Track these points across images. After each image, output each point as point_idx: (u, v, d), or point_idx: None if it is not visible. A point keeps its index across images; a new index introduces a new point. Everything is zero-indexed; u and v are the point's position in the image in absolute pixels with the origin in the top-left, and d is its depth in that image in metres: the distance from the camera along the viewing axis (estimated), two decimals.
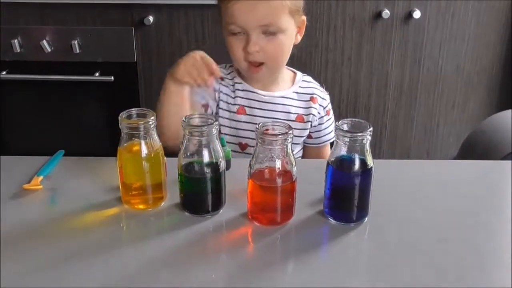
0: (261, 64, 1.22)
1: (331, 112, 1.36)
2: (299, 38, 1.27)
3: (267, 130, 0.90)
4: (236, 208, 0.96)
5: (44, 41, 1.90)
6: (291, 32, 1.23)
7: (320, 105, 1.32)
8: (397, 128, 2.07)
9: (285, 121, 0.93)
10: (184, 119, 0.92)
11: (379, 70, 1.99)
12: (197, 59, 1.16)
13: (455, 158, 1.66)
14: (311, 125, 1.32)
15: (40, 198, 1.01)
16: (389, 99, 2.03)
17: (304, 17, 1.26)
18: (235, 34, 1.20)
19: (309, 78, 1.35)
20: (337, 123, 0.91)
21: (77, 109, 2.04)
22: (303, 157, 1.38)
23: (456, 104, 2.06)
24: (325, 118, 1.33)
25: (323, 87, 1.36)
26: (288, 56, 1.26)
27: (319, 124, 1.33)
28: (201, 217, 0.94)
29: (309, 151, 1.37)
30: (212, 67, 1.15)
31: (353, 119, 0.92)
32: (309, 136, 1.34)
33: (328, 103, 1.35)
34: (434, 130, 2.09)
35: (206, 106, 1.26)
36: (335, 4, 1.89)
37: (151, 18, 1.89)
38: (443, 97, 2.04)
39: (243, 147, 1.28)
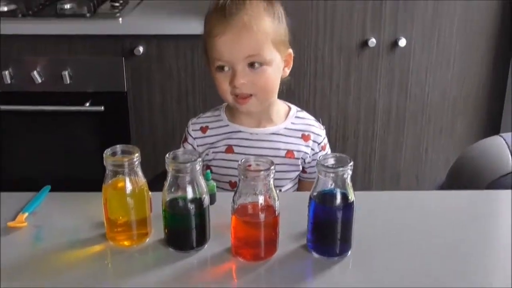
0: (249, 96, 1.22)
1: (327, 146, 1.35)
2: (287, 71, 1.28)
3: (249, 165, 0.91)
4: (220, 243, 0.97)
5: (35, 72, 1.90)
6: (278, 65, 1.23)
7: (314, 142, 1.31)
8: (386, 154, 2.08)
9: (268, 157, 0.94)
10: (167, 155, 0.93)
11: (367, 97, 2.01)
12: None
13: (442, 184, 1.66)
14: (304, 161, 1.31)
15: (25, 236, 1.01)
16: (378, 125, 2.04)
17: (291, 51, 1.27)
18: (222, 70, 1.21)
19: (303, 114, 1.34)
20: (318, 158, 0.92)
21: (68, 139, 2.04)
22: (298, 191, 1.36)
23: (443, 128, 2.08)
24: (320, 154, 1.31)
25: (319, 122, 1.35)
26: (277, 89, 1.26)
27: (313, 160, 1.31)
28: (185, 253, 0.95)
29: (305, 185, 1.35)
30: None
31: (335, 154, 0.93)
32: (303, 171, 1.33)
33: (324, 138, 1.33)
34: (423, 154, 2.10)
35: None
36: (322, 33, 1.92)
37: (141, 49, 1.91)
38: (430, 122, 2.06)
39: (232, 185, 1.29)
